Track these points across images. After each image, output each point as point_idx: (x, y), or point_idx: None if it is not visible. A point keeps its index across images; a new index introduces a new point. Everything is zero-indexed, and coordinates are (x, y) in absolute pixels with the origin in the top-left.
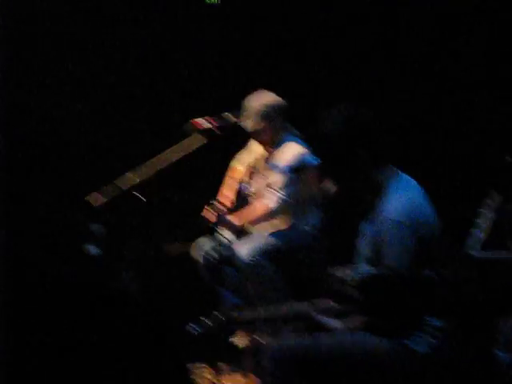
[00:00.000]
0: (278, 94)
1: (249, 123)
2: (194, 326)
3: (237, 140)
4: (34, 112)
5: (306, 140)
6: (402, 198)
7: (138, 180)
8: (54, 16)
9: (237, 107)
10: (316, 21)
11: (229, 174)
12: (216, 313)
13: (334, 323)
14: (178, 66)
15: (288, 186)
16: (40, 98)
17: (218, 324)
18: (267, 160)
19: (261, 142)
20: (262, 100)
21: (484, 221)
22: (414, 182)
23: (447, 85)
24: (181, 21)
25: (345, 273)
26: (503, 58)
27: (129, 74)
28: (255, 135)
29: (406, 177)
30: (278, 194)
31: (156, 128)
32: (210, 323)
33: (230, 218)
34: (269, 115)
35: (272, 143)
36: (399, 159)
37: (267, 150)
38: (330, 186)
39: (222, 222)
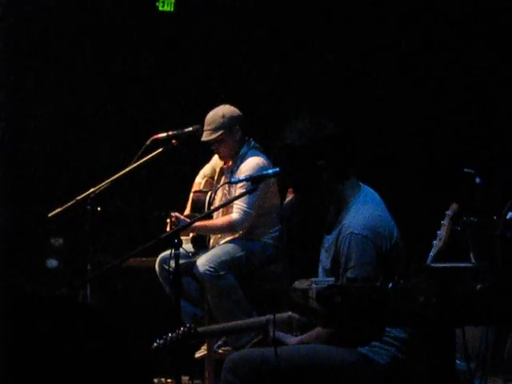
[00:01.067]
0: (239, 108)
1: (208, 133)
2: (158, 340)
3: (200, 156)
4: None
5: (267, 152)
6: (364, 211)
7: (93, 190)
8: None
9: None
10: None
11: (193, 189)
12: (178, 328)
13: (290, 339)
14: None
15: (248, 197)
16: None
17: (181, 338)
18: (228, 172)
19: (221, 155)
20: (219, 111)
21: (443, 231)
22: (375, 195)
23: (407, 98)
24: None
25: (305, 285)
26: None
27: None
28: (215, 146)
29: (368, 190)
30: (240, 206)
31: (121, 145)
32: (172, 338)
33: (185, 218)
34: (227, 125)
35: (231, 155)
36: (362, 172)
37: (227, 162)
38: (291, 198)
39: (178, 224)
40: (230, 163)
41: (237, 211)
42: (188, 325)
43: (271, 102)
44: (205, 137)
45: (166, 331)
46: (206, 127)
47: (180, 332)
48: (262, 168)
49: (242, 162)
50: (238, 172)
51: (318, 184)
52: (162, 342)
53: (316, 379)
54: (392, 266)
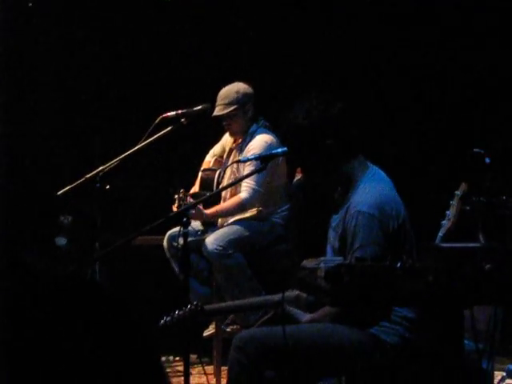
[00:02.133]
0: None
1: (221, 108)
2: (165, 318)
3: (210, 134)
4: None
5: (276, 131)
6: (371, 190)
7: (102, 168)
8: None
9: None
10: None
11: (202, 168)
12: (185, 306)
13: (303, 316)
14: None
15: (257, 175)
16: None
17: (188, 316)
18: (237, 150)
19: (231, 131)
20: (234, 87)
21: (452, 211)
22: (383, 175)
23: (415, 78)
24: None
25: (314, 264)
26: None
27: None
28: (227, 121)
29: (375, 169)
30: (248, 184)
31: (130, 123)
32: (179, 315)
33: (200, 207)
34: (240, 101)
35: (242, 132)
36: (370, 151)
37: (237, 140)
38: (299, 177)
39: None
40: (240, 141)
41: (245, 189)
42: (195, 303)
43: (282, 81)
44: (217, 111)
45: (174, 309)
46: (218, 102)
47: (187, 310)
48: (271, 146)
49: (251, 139)
50: (247, 149)
51: (326, 163)
52: (169, 319)
53: (324, 358)
54: (400, 245)
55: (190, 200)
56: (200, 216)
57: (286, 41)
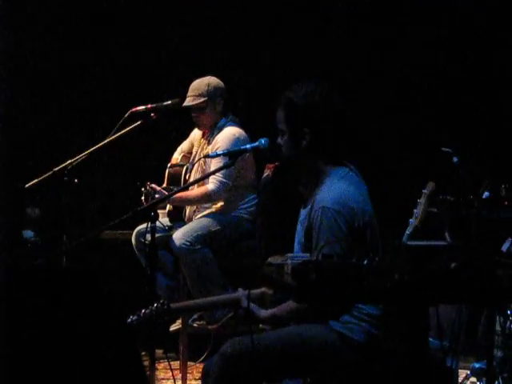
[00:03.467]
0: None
1: (190, 99)
2: (131, 317)
3: (180, 129)
4: None
5: (247, 128)
6: (337, 186)
7: (70, 162)
8: None
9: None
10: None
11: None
12: (151, 304)
13: (261, 312)
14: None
15: (225, 170)
16: None
17: (155, 315)
18: (204, 143)
19: (199, 123)
20: (206, 80)
21: (419, 209)
22: (354, 176)
23: (384, 76)
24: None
25: (281, 260)
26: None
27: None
28: (194, 113)
29: (348, 170)
30: (216, 177)
31: (99, 117)
32: (146, 314)
33: (163, 191)
34: (210, 94)
35: (210, 126)
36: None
37: (205, 134)
38: (268, 173)
39: (154, 194)
40: (209, 134)
41: (212, 181)
42: (161, 301)
43: (256, 78)
44: (186, 102)
45: (141, 305)
46: (189, 93)
47: (153, 308)
48: (239, 140)
49: (218, 132)
50: (214, 143)
51: (294, 148)
52: (135, 318)
53: (291, 358)
54: (366, 242)
55: (157, 189)
56: (165, 200)
57: (263, 37)
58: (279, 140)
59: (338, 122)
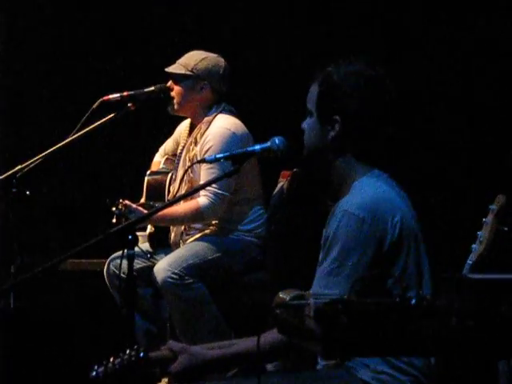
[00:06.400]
0: None
1: (174, 66)
2: (96, 368)
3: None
4: None
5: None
6: (368, 188)
7: (20, 167)
8: None
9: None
10: None
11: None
12: (123, 351)
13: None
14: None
15: (222, 177)
16: None
17: (128, 366)
18: (191, 142)
19: (175, 104)
20: (202, 55)
21: (485, 232)
22: (390, 180)
23: (452, 82)
24: None
25: (292, 295)
26: None
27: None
28: (181, 102)
29: (381, 173)
30: (210, 188)
31: (59, 109)
32: (116, 365)
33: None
34: (197, 72)
35: (182, 110)
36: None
37: (194, 127)
38: (283, 183)
39: (129, 214)
40: (199, 126)
41: (204, 194)
42: (136, 347)
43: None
44: (170, 67)
45: (109, 356)
46: (180, 59)
47: (126, 357)
48: (235, 136)
49: (207, 128)
50: (203, 142)
51: (322, 138)
52: (101, 370)
53: None
54: (405, 269)
55: (132, 207)
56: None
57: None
58: (303, 125)
59: (381, 120)
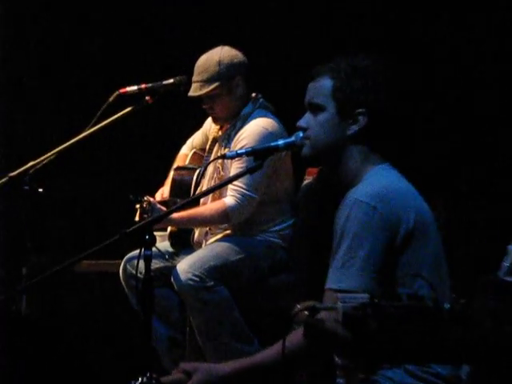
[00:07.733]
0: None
1: (197, 86)
2: None
3: (188, 118)
4: None
5: (282, 116)
6: (378, 178)
7: (33, 164)
8: None
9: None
10: None
11: (174, 165)
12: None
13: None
14: None
15: (249, 176)
16: None
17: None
18: (223, 139)
19: (215, 116)
20: (215, 55)
21: None
22: (398, 174)
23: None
24: None
25: (324, 303)
26: None
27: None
28: (207, 104)
29: (390, 166)
30: (236, 188)
31: (73, 103)
32: None
33: (162, 208)
34: (223, 75)
35: (230, 117)
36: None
37: (223, 128)
38: (310, 180)
39: (151, 213)
40: (227, 127)
41: (232, 194)
42: (149, 374)
43: (287, 48)
44: (193, 91)
45: (128, 372)
46: (195, 78)
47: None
48: (271, 135)
49: (243, 124)
50: (237, 139)
51: (340, 133)
52: None
53: None
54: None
55: (156, 206)
56: (163, 220)
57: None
58: (305, 122)
59: (406, 112)
